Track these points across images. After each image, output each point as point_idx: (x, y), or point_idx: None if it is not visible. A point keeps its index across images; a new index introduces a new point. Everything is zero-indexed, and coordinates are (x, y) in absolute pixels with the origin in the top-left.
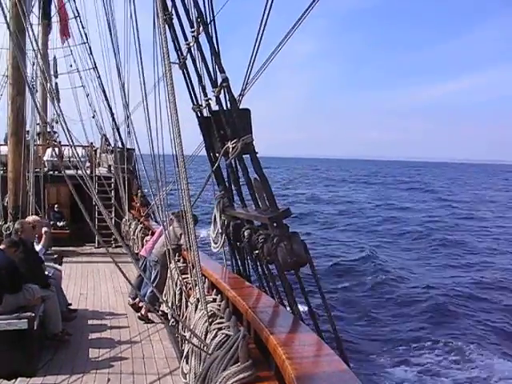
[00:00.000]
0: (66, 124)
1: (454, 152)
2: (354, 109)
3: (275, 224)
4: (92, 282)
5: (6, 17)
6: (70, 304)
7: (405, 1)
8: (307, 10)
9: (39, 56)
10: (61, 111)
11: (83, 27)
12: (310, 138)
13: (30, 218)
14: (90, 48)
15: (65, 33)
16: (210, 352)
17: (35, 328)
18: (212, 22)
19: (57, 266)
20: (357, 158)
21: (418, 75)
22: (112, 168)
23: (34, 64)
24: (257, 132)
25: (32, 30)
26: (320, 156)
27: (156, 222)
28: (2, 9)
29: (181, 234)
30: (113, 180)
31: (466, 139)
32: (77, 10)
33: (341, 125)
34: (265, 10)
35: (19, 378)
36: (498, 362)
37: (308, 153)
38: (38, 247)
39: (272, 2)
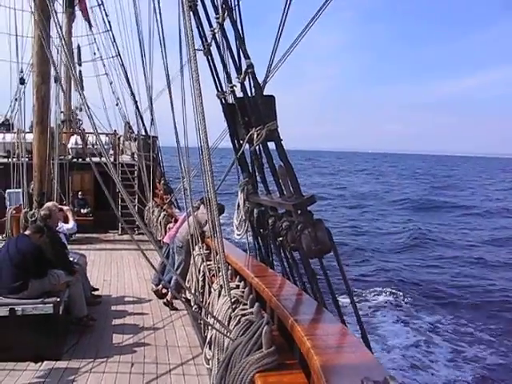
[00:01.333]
0: (89, 111)
1: (465, 146)
2: (373, 102)
3: (299, 211)
4: (116, 269)
5: (31, 6)
6: (97, 289)
7: None
8: None
9: (64, 44)
10: (85, 99)
11: (107, 15)
12: (333, 132)
13: (50, 204)
14: (113, 36)
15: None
16: (233, 338)
17: (60, 312)
18: (237, 7)
19: (81, 252)
20: (375, 151)
21: (441, 69)
22: (135, 155)
23: (58, 52)
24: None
25: (57, 18)
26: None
27: (179, 209)
28: None
29: (206, 221)
30: (136, 167)
31: (484, 133)
32: None
33: (363, 118)
34: None
35: (45, 362)
36: None
37: (330, 146)
38: (69, 226)
39: None
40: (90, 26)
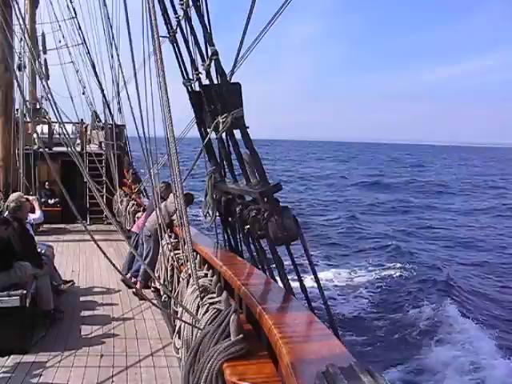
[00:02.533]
0: (54, 101)
1: (455, 135)
2: (353, 91)
3: (266, 199)
4: (84, 259)
5: None
6: (66, 281)
7: None
8: None
9: (26, 31)
10: (49, 88)
11: (71, 1)
12: (310, 121)
13: (16, 195)
14: (78, 23)
15: None
16: (201, 327)
17: (27, 305)
18: None
19: (49, 243)
20: (354, 140)
21: (417, 58)
22: (103, 145)
23: (21, 40)
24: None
25: (18, 4)
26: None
27: (148, 198)
28: None
29: (174, 210)
30: (104, 157)
31: (468, 122)
32: None
33: (341, 107)
34: None
35: (12, 355)
36: None
37: (308, 136)
38: (35, 216)
39: None
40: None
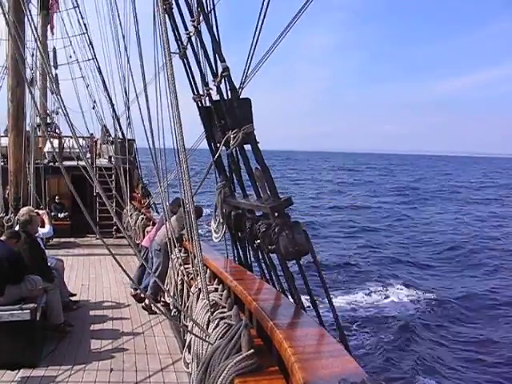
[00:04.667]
0: (67, 114)
1: (468, 146)
2: (368, 102)
3: (277, 213)
4: (94, 273)
5: (3, 7)
6: (74, 294)
7: None
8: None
9: (38, 47)
10: (62, 102)
11: (82, 17)
12: (326, 132)
13: (26, 209)
14: (89, 38)
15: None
16: (212, 342)
17: (37, 319)
18: (212, 11)
19: (58, 257)
20: (368, 151)
21: (431, 69)
22: (113, 159)
23: (33, 55)
24: (274, 125)
25: (31, 21)
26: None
27: (157, 212)
28: None
29: (184, 225)
30: (113, 171)
31: (480, 133)
32: (76, 1)
33: (356, 118)
34: None
35: (22, 369)
36: None
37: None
38: (44, 230)
39: None
40: (52, 30)
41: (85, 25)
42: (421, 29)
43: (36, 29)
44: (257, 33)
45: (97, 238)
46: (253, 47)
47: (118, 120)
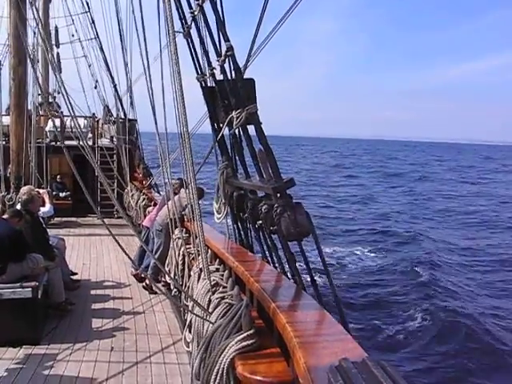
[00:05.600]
0: (67, 95)
1: (467, 133)
2: (369, 89)
3: (279, 194)
4: (95, 253)
5: None
6: (76, 273)
7: None
8: None
9: (40, 25)
10: (62, 81)
11: None
12: (325, 118)
13: (26, 188)
14: (91, 17)
15: None
16: (212, 321)
17: (39, 297)
18: None
19: (60, 236)
20: (368, 138)
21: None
22: (114, 139)
23: (35, 33)
24: (275, 110)
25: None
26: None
27: (158, 192)
28: None
29: (186, 205)
30: (115, 151)
31: (481, 120)
32: None
33: (356, 104)
34: None
35: (23, 346)
36: None
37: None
38: (45, 209)
39: None
40: None
41: (87, 3)
42: (431, 15)
43: (37, 8)
44: (261, 12)
45: (98, 218)
46: (258, 26)
47: (120, 100)
